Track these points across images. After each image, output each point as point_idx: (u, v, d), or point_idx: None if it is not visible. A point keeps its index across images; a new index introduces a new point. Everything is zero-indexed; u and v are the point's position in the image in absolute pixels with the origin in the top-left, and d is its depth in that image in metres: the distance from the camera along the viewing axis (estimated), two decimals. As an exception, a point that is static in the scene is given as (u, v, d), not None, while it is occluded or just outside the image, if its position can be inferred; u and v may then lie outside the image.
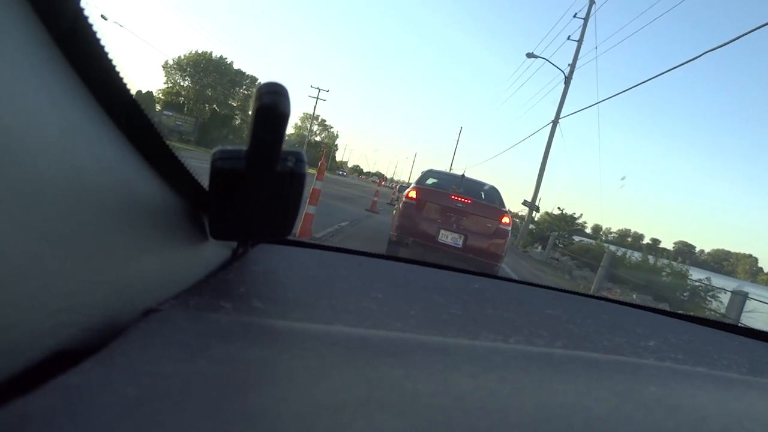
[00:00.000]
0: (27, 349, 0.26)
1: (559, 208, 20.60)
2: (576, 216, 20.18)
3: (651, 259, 13.96)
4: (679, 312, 1.01)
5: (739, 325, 0.98)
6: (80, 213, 0.30)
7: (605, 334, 0.68)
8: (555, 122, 18.93)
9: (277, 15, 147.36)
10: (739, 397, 0.48)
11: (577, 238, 20.12)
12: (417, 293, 0.70)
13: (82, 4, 0.30)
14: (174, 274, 0.46)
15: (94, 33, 0.32)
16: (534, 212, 20.44)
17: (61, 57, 0.31)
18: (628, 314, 0.90)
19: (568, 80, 18.79)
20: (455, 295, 0.72)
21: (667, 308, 0.96)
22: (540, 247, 18.87)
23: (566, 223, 19.77)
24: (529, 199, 19.38)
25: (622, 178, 32.05)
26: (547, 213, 21.63)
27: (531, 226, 20.77)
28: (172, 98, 52.47)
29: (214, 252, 0.57)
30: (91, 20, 0.31)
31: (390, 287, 0.70)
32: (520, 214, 23.93)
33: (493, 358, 0.44)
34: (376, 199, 14.49)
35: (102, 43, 0.32)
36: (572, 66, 18.69)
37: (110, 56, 0.33)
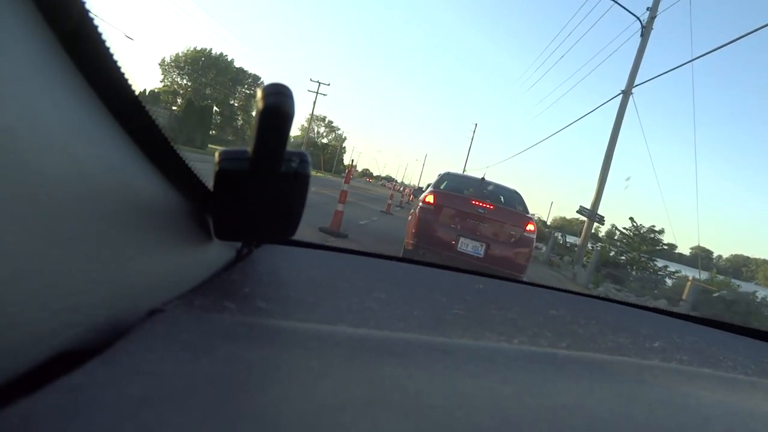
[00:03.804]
0: (31, 348, 0.27)
1: (630, 218, 14.79)
2: (658, 230, 14.34)
3: None
4: (684, 313, 1.00)
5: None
6: (84, 213, 0.30)
7: (609, 335, 0.68)
8: (626, 92, 13.45)
9: (279, 9, 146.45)
10: (744, 398, 0.48)
11: (660, 263, 14.21)
12: (420, 293, 0.70)
13: (87, 5, 0.30)
14: (178, 275, 0.46)
15: (99, 34, 0.32)
16: (596, 224, 13.79)
17: (66, 57, 0.31)
18: (632, 315, 0.90)
19: (646, 31, 13.19)
20: (458, 295, 0.72)
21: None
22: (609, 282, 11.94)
23: (643, 241, 14.14)
24: (588, 206, 13.33)
25: (627, 179, 30.40)
26: (615, 228, 15.16)
27: (590, 245, 14.20)
28: (169, 97, 51.51)
29: (218, 252, 0.57)
30: (96, 21, 0.31)
31: (393, 287, 0.70)
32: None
33: (497, 358, 0.44)
34: (341, 207, 7.07)
35: (107, 43, 0.32)
36: (653, 10, 13.05)
37: (114, 57, 0.33)
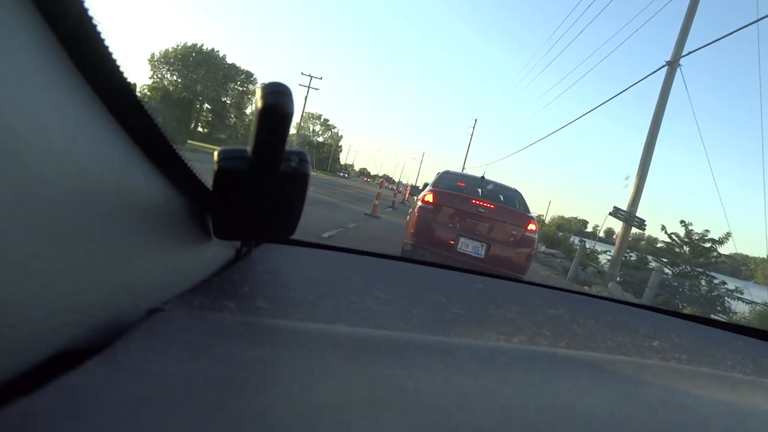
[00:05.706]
0: (31, 348, 0.27)
1: (682, 222, 11.45)
2: (720, 239, 11.14)
3: None
4: (683, 312, 1.00)
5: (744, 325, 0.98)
6: (84, 213, 0.30)
7: (608, 334, 0.68)
8: (672, 63, 10.95)
9: (276, 5, 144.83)
10: (743, 398, 0.48)
11: (716, 279, 11.01)
12: (420, 293, 0.70)
13: (86, 4, 0.30)
14: (178, 274, 0.46)
15: (99, 34, 0.32)
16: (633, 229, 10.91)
17: (66, 58, 0.31)
18: (631, 314, 0.90)
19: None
20: (458, 294, 0.72)
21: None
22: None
23: (695, 251, 11.15)
24: (623, 207, 10.85)
25: (626, 178, 29.50)
26: (665, 231, 11.42)
27: (625, 256, 11.67)
28: (157, 93, 50.22)
29: (217, 252, 0.57)
30: (95, 21, 0.31)
31: (393, 287, 0.70)
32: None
33: (496, 357, 0.44)
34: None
35: (106, 43, 0.32)
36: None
37: (114, 57, 0.33)
